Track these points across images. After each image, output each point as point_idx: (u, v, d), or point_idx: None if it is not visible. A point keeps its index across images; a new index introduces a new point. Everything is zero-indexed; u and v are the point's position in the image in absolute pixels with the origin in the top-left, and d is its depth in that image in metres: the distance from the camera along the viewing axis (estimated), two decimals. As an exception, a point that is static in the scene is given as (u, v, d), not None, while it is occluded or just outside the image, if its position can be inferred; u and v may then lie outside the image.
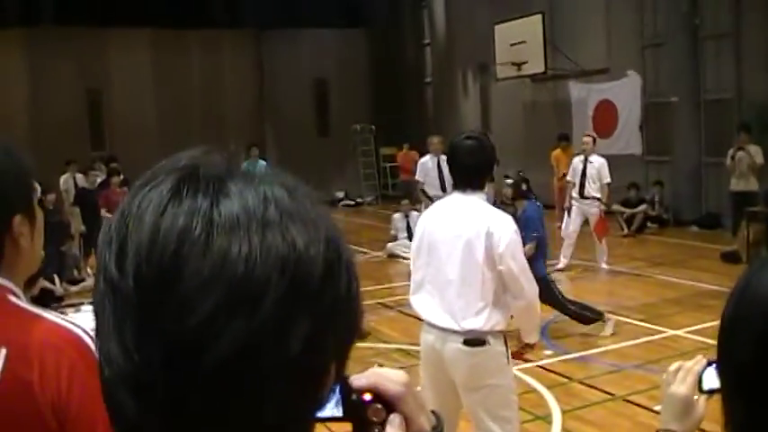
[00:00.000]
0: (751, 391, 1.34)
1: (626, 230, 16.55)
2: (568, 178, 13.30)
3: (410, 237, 15.32)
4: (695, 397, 1.73)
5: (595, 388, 7.49)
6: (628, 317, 9.97)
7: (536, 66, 20.58)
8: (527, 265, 4.50)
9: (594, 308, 9.36)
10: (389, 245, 14.89)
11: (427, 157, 13.65)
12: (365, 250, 14.54)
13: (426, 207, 12.58)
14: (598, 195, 12.72)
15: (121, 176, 14.31)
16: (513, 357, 4.77)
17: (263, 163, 17.10)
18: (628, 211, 16.88)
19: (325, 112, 27.19)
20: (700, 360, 1.74)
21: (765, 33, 15.90)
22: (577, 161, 13.05)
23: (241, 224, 0.80)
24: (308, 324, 0.81)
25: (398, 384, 0.92)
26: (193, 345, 0.77)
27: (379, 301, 11.79)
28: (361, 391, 0.91)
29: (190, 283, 0.77)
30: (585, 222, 12.98)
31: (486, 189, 4.63)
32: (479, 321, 4.36)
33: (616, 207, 17.12)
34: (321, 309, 0.83)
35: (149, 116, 24.09)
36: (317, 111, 27.08)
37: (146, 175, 0.87)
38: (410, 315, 10.53)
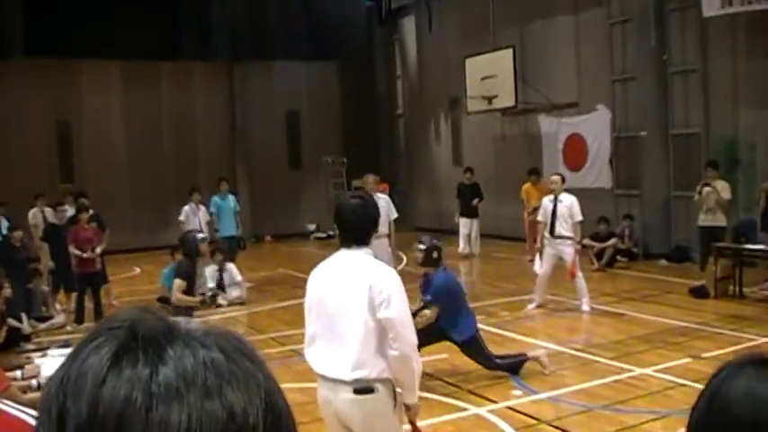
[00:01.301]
0: None
1: (596, 264, 16.62)
2: (539, 218, 13.24)
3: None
4: None
5: (564, 430, 7.47)
6: (598, 355, 9.99)
7: (507, 99, 20.72)
8: (409, 318, 4.68)
9: (516, 354, 9.49)
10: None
11: None
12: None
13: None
14: (569, 234, 12.71)
15: (90, 212, 14.20)
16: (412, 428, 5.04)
17: (231, 197, 17.07)
18: (597, 245, 16.96)
19: (297, 143, 27.20)
20: None
21: (732, 69, 16.10)
22: (547, 201, 13.03)
23: (180, 394, 0.78)
24: None
25: None
26: None
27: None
28: None
29: None
30: (560, 259, 12.96)
31: (370, 245, 4.84)
32: (366, 370, 4.56)
33: (587, 241, 17.19)
34: None
35: (120, 148, 24.00)
36: (288, 142, 27.08)
37: (86, 335, 0.85)
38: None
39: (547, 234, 12.90)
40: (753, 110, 15.71)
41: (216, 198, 17.06)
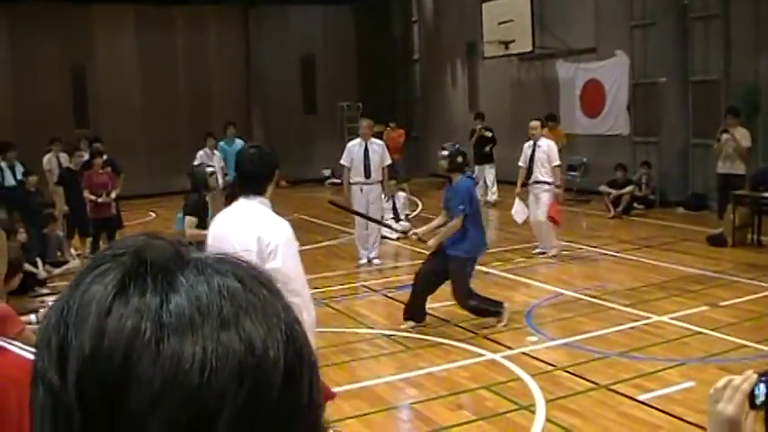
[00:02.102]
0: None
1: (612, 212, 16.52)
2: (520, 164, 13.16)
3: (396, 217, 15.29)
4: (743, 416, 1.66)
5: (580, 377, 7.46)
6: (613, 302, 9.95)
7: (524, 45, 20.50)
8: (297, 269, 4.63)
9: (494, 301, 9.35)
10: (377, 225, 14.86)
11: (355, 141, 12.94)
12: (350, 231, 14.44)
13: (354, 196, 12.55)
14: (547, 179, 12.66)
15: (104, 157, 14.17)
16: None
17: (239, 142, 16.98)
18: (614, 192, 16.83)
19: (312, 89, 27.00)
20: (749, 376, 1.67)
21: (754, 16, 15.82)
22: (526, 146, 13.00)
23: (194, 325, 0.73)
24: None
25: None
26: None
27: (364, 283, 11.75)
28: None
29: (140, 398, 0.70)
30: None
31: (267, 194, 4.85)
32: None
33: (603, 188, 17.10)
34: (281, 421, 0.75)
35: (134, 94, 23.88)
36: (303, 88, 26.88)
37: (88, 262, 0.79)
38: (395, 299, 10.55)
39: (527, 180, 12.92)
40: (774, 56, 15.47)
41: (222, 143, 17.00)
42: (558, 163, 12.86)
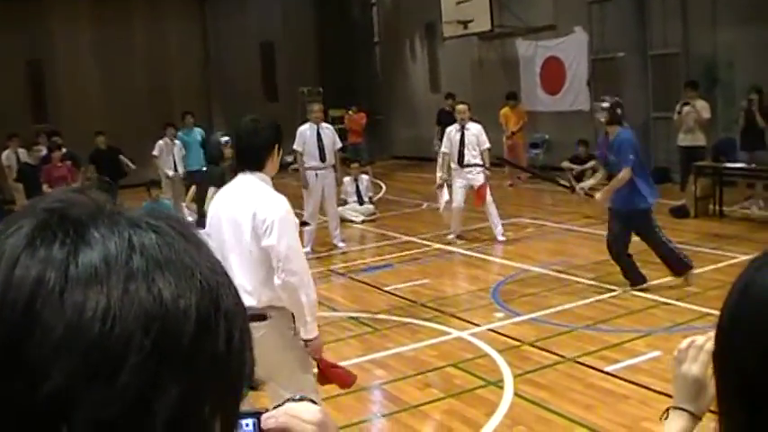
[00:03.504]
0: (754, 399, 1.21)
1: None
2: (444, 150, 12.72)
3: (360, 201, 15.26)
4: (708, 375, 1.63)
5: (547, 350, 7.47)
6: (579, 276, 9.99)
7: (483, 24, 20.45)
8: (296, 246, 4.52)
9: (682, 255, 9.35)
10: (339, 209, 14.79)
11: (306, 126, 12.78)
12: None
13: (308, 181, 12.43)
14: (478, 162, 12.51)
15: (63, 150, 14.02)
16: (322, 373, 4.75)
17: (198, 131, 16.87)
18: (577, 167, 16.89)
19: (273, 76, 26.84)
20: (711, 336, 1.64)
21: (710, -13, 15.91)
22: (453, 130, 12.62)
23: (100, 276, 0.71)
24: (177, 391, 0.71)
25: (311, 424, 0.88)
26: (49, 417, 0.68)
27: (330, 267, 11.71)
28: None
29: (42, 346, 0.69)
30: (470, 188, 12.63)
31: (265, 169, 4.66)
32: (254, 299, 4.43)
33: (565, 164, 17.16)
34: (194, 371, 0.73)
35: (92, 86, 23.59)
36: (264, 75, 26.72)
37: (8, 218, 0.78)
38: (361, 281, 10.53)
39: (454, 165, 12.55)
40: (731, 29, 15.54)
41: (180, 133, 16.86)
42: (488, 146, 12.53)
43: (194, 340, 0.73)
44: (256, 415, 0.91)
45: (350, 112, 21.52)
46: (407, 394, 6.73)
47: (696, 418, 1.64)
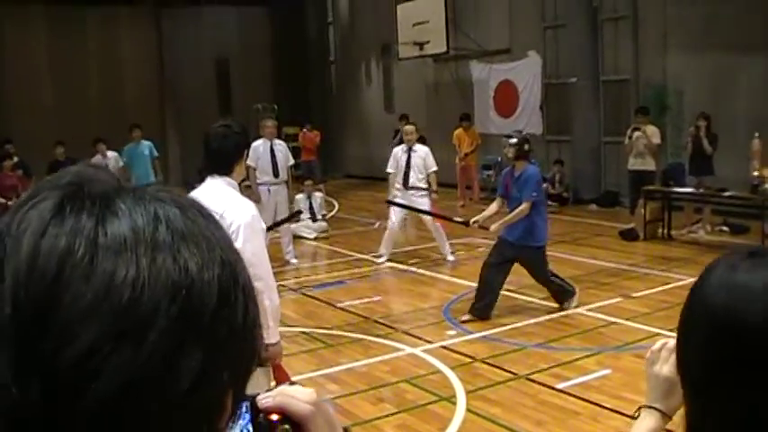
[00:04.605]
0: (698, 391, 1.34)
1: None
2: (389, 170, 12.70)
3: (313, 217, 15.26)
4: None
5: (499, 367, 7.54)
6: (530, 296, 10.07)
7: (438, 46, 20.64)
8: (261, 252, 4.54)
9: (567, 282, 9.50)
10: (292, 226, 14.80)
11: (260, 142, 12.65)
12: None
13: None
14: (424, 185, 12.44)
15: (15, 159, 13.86)
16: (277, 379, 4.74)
17: (147, 144, 16.71)
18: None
19: (228, 91, 26.76)
20: None
21: (661, 17, 16.22)
22: (400, 151, 12.58)
23: (128, 246, 0.73)
24: (200, 356, 0.74)
25: (307, 403, 0.89)
26: (75, 379, 0.70)
27: (282, 282, 11.67)
28: (268, 412, 0.88)
29: (71, 311, 0.71)
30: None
31: (233, 175, 4.71)
32: None
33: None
34: (215, 339, 0.76)
35: (45, 95, 23.37)
36: (218, 91, 26.64)
37: (28, 191, 0.80)
38: (314, 297, 10.54)
39: (399, 185, 12.51)
40: (681, 57, 15.86)
41: (127, 147, 16.67)
42: (435, 168, 12.50)
43: (216, 310, 0.76)
44: (249, 398, 0.93)
45: (304, 129, 21.54)
46: (360, 409, 6.75)
47: (666, 416, 1.70)
